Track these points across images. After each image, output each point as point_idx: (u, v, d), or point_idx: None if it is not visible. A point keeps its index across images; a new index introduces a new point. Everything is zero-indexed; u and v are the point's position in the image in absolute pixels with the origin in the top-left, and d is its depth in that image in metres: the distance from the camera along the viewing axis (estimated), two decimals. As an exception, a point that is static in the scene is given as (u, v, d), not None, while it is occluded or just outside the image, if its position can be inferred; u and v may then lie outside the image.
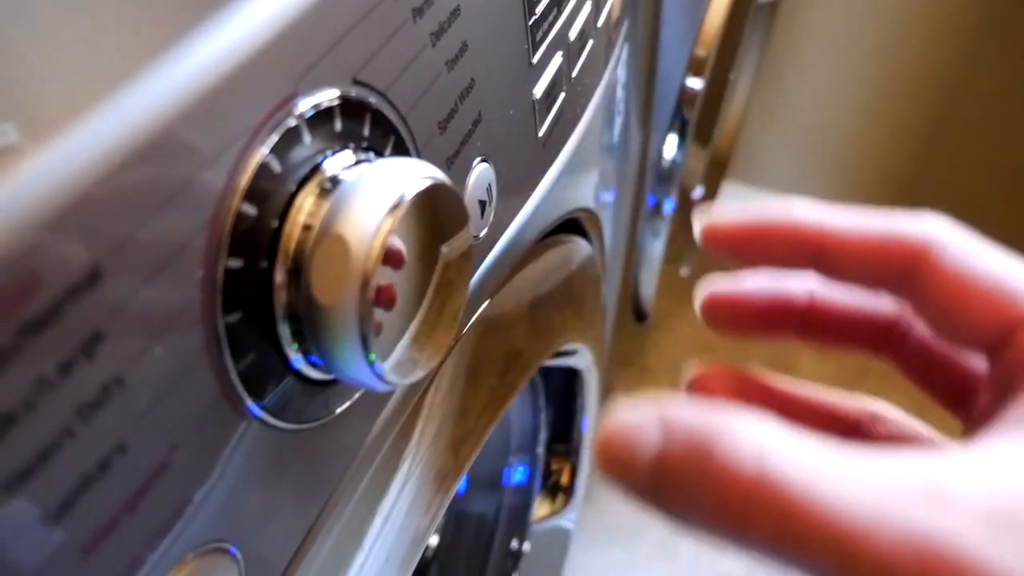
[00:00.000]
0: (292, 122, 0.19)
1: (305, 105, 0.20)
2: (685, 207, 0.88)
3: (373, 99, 0.22)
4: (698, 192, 0.88)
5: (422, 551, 0.30)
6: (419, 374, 0.22)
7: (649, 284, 0.91)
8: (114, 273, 0.16)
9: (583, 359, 0.54)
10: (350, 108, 0.21)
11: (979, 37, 1.04)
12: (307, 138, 0.20)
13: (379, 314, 0.19)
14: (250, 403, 0.20)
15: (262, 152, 0.19)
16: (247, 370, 0.19)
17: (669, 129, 0.79)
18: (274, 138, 0.19)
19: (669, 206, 0.83)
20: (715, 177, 1.15)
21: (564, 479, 0.69)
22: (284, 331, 0.20)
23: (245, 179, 0.18)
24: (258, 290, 0.19)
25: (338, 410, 0.23)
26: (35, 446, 0.15)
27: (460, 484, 0.62)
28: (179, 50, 0.17)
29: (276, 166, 0.19)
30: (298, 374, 0.21)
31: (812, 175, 1.26)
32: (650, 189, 0.80)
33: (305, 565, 0.24)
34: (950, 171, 1.17)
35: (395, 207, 0.19)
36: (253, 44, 0.18)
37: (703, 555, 1.04)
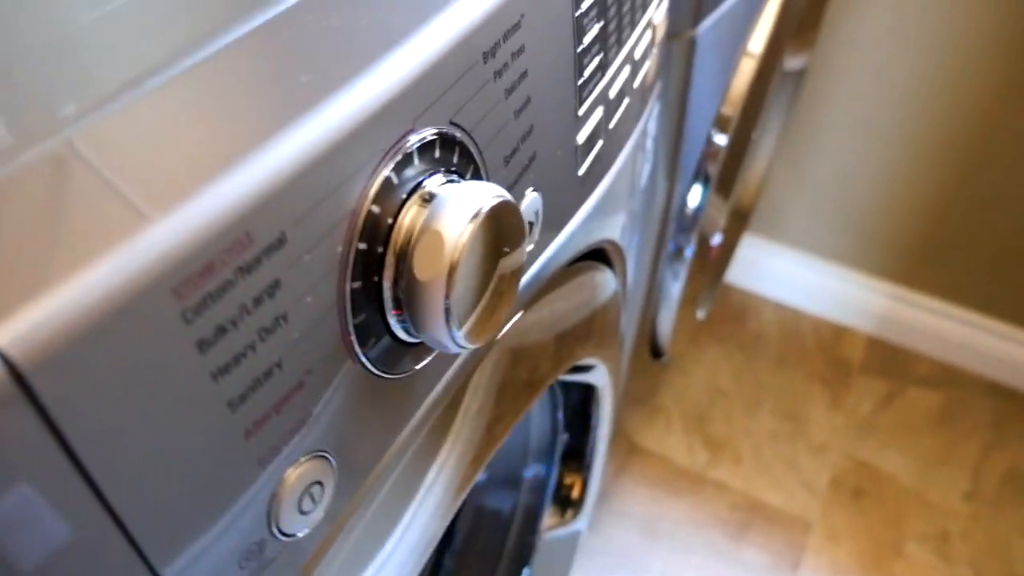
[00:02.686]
0: (407, 149, 0.27)
1: (416, 138, 0.27)
2: (704, 252, 0.95)
3: (461, 136, 0.30)
4: (716, 239, 0.95)
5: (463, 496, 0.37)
6: (476, 346, 0.29)
7: (667, 323, 0.98)
8: (293, 240, 0.23)
9: (600, 376, 0.60)
10: (446, 142, 0.29)
11: (1006, 103, 1.09)
12: (416, 161, 0.27)
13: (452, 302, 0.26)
14: (359, 351, 0.27)
15: (386, 169, 0.26)
16: (359, 326, 0.27)
17: (694, 179, 0.87)
18: (395, 159, 0.26)
19: (689, 251, 0.90)
20: (736, 227, 1.22)
21: (575, 493, 0.75)
22: (388, 300, 0.27)
23: (375, 187, 0.26)
24: (374, 268, 0.27)
25: (416, 367, 0.30)
26: (233, 351, 0.22)
27: (481, 478, 0.69)
28: (342, 96, 0.24)
29: (394, 180, 0.27)
30: (393, 334, 0.28)
31: (834, 234, 1.31)
32: (672, 234, 0.88)
33: (367, 500, 0.31)
34: (974, 237, 1.21)
35: (477, 213, 0.26)
36: (387, 94, 0.26)
37: (701, 586, 1.08)
